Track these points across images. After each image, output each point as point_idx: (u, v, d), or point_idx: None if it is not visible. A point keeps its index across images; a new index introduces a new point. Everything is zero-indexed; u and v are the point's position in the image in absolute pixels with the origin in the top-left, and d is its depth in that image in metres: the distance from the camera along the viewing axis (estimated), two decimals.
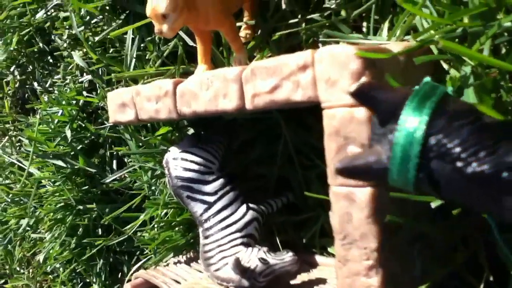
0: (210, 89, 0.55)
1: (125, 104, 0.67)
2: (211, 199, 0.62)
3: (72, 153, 0.91)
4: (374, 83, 0.33)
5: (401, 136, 0.30)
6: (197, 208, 0.62)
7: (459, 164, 0.28)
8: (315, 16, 0.60)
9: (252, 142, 0.69)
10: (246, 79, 0.51)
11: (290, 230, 0.70)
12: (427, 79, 0.34)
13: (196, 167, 0.63)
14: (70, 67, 0.95)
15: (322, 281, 0.60)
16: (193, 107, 0.57)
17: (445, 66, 0.48)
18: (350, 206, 0.44)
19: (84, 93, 0.91)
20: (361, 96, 0.33)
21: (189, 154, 0.64)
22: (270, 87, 0.49)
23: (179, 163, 0.64)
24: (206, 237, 0.61)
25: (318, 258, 0.66)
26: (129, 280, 0.84)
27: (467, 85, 0.43)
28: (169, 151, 0.66)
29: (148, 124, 0.86)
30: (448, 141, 0.28)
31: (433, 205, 0.41)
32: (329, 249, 0.66)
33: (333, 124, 0.44)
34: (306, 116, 0.64)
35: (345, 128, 0.44)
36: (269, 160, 0.69)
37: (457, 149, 0.28)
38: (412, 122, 0.30)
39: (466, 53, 0.40)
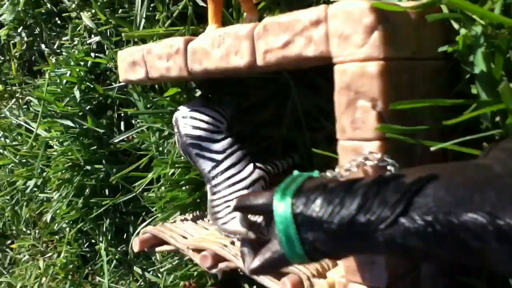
0: (222, 46, 0.56)
1: (135, 62, 0.67)
2: (219, 157, 0.64)
3: (81, 113, 0.92)
4: (246, 195, 0.42)
5: (278, 221, 0.36)
6: (206, 165, 0.64)
7: (325, 226, 0.34)
8: None
9: (261, 104, 0.70)
10: (258, 35, 0.52)
11: None
12: (295, 172, 0.41)
13: (205, 125, 0.64)
14: (78, 28, 0.95)
15: None
16: (204, 65, 0.58)
17: (456, 26, 0.49)
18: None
19: (92, 54, 0.92)
20: (241, 209, 0.42)
21: (198, 113, 0.65)
22: (282, 42, 0.49)
23: (188, 121, 0.65)
24: (214, 193, 0.62)
25: None
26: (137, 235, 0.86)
27: (478, 45, 0.43)
28: (178, 109, 0.67)
29: (156, 86, 0.86)
30: (310, 213, 0.35)
31: (432, 148, 0.42)
32: None
33: (344, 79, 0.45)
34: (316, 78, 0.64)
35: (355, 82, 0.44)
36: (277, 122, 0.70)
37: (319, 215, 0.35)
38: (280, 207, 0.36)
39: (476, 11, 0.41)
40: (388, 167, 0.42)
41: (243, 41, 0.53)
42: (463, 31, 0.47)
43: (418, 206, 0.32)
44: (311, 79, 0.65)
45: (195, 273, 0.82)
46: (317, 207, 0.35)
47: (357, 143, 0.45)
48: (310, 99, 0.66)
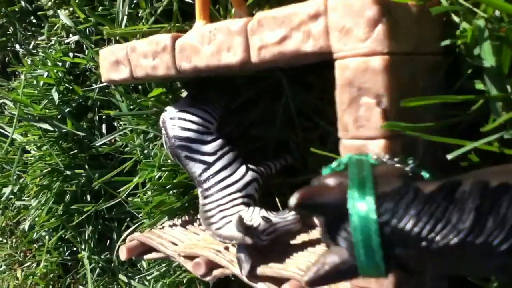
0: (213, 43, 0.53)
1: (119, 61, 0.64)
2: (210, 159, 0.61)
3: (60, 116, 0.87)
4: (311, 190, 0.33)
5: (357, 228, 0.30)
6: (196, 168, 0.61)
7: (423, 244, 0.28)
8: None
9: (252, 103, 0.68)
10: (252, 30, 0.49)
11: (287, 193, 0.69)
12: (348, 156, 0.36)
13: (194, 126, 0.62)
14: (55, 27, 0.91)
15: (319, 240, 0.59)
16: (193, 62, 0.55)
17: (456, 19, 0.47)
18: None
19: (71, 54, 0.88)
20: (305, 207, 0.33)
21: (186, 114, 0.62)
22: (278, 38, 0.47)
23: (176, 122, 0.62)
24: (205, 197, 0.60)
25: (316, 219, 0.65)
26: (122, 245, 0.83)
27: (484, 38, 0.42)
28: (165, 110, 0.64)
29: (140, 86, 0.83)
30: (403, 225, 0.29)
31: (450, 156, 0.40)
32: None
33: (345, 75, 0.43)
34: (308, 76, 0.62)
35: (358, 78, 0.42)
36: (268, 122, 0.68)
37: (415, 230, 0.29)
38: (361, 208, 0.30)
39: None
40: (407, 169, 0.39)
41: (236, 37, 0.51)
42: (464, 24, 0.45)
43: None
44: (303, 77, 0.63)
45: (185, 280, 0.79)
46: (412, 220, 0.29)
47: (361, 142, 0.43)
48: (303, 98, 0.63)
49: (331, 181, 0.34)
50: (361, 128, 0.43)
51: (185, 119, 0.62)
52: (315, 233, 0.63)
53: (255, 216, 0.56)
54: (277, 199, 0.66)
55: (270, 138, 0.67)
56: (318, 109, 0.63)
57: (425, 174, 0.38)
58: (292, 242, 0.61)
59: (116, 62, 0.64)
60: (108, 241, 1.00)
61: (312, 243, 0.59)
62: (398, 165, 0.38)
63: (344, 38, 0.43)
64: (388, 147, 0.42)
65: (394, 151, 0.43)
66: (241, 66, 0.52)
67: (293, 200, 0.32)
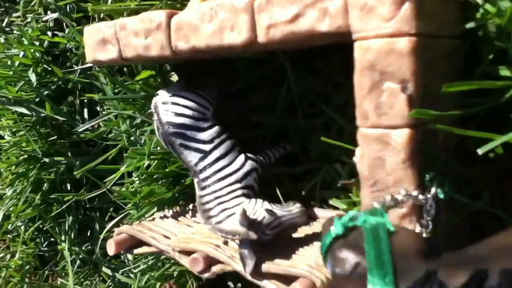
0: (214, 21, 0.48)
1: (106, 40, 0.59)
2: (206, 147, 0.57)
3: (37, 99, 0.81)
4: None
5: None
6: (192, 157, 0.56)
7: None
8: None
9: (251, 88, 0.64)
10: (260, 7, 0.45)
11: (287, 183, 0.65)
12: (363, 216, 0.36)
13: (189, 112, 0.57)
14: (32, 3, 0.84)
15: None
16: (192, 42, 0.50)
17: (479, 0, 0.44)
18: (383, 150, 0.40)
19: (49, 33, 0.81)
20: None
21: (180, 98, 0.58)
22: (290, 16, 0.43)
23: (169, 107, 0.57)
24: (202, 188, 0.56)
25: (318, 210, 0.62)
26: (105, 236, 0.78)
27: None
28: (157, 94, 0.59)
29: (125, 68, 0.78)
30: None
31: (480, 152, 0.37)
32: (330, 202, 0.62)
33: (367, 57, 0.39)
34: (313, 59, 0.58)
35: (382, 61, 0.39)
36: (267, 108, 0.64)
37: None
38: None
39: None
40: (427, 207, 0.38)
41: (241, 14, 0.46)
42: (488, 6, 0.42)
43: None
44: (308, 60, 0.59)
45: (175, 273, 0.75)
46: None
47: (382, 131, 0.40)
48: (307, 82, 0.60)
49: (347, 258, 0.33)
50: (383, 116, 0.40)
51: (179, 104, 0.57)
52: (317, 226, 0.60)
53: (258, 209, 0.52)
54: (278, 191, 0.62)
55: (270, 125, 0.63)
56: (322, 94, 0.60)
57: (440, 195, 0.39)
58: (295, 235, 0.58)
59: (103, 41, 0.59)
60: (89, 232, 0.95)
61: (316, 236, 0.56)
62: (415, 232, 0.37)
63: (366, 17, 0.39)
64: (412, 137, 0.39)
65: (417, 141, 0.40)
66: (245, 47, 0.47)
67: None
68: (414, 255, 0.33)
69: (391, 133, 0.40)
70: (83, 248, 0.93)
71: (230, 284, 0.75)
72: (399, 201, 0.40)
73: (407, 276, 0.31)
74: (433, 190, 0.40)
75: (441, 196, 0.40)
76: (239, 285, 0.76)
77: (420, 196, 0.40)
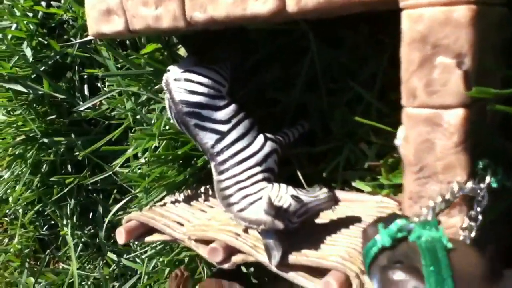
0: None
1: (110, 10, 0.53)
2: (224, 128, 0.52)
3: (34, 76, 0.76)
4: None
5: None
6: (208, 138, 0.52)
7: None
8: None
9: (268, 62, 0.59)
10: None
11: (305, 163, 0.61)
12: (417, 232, 0.32)
13: (204, 89, 0.52)
14: None
15: (355, 219, 0.52)
16: (209, 12, 0.45)
17: None
18: (432, 132, 0.36)
19: (43, 3, 0.75)
20: None
21: (194, 74, 0.53)
22: None
23: (182, 84, 0.52)
24: (220, 173, 0.51)
25: (340, 193, 0.58)
26: (110, 220, 0.75)
27: None
28: (168, 70, 0.54)
29: (127, 41, 0.72)
30: None
31: None
32: (354, 184, 0.58)
33: (418, 28, 0.35)
34: (339, 30, 0.53)
35: (435, 33, 0.34)
36: (285, 84, 0.59)
37: None
38: None
39: None
40: (479, 198, 0.35)
41: None
42: None
43: None
44: (331, 31, 0.54)
45: (186, 259, 0.72)
46: None
47: (433, 111, 0.36)
48: (330, 55, 0.55)
49: (403, 283, 0.29)
50: (434, 95, 0.35)
51: (192, 81, 0.53)
52: (341, 209, 0.56)
53: (283, 195, 0.48)
54: (299, 174, 0.58)
55: (289, 102, 0.58)
56: (346, 69, 0.55)
57: (494, 184, 0.36)
58: (318, 221, 0.54)
59: (108, 11, 0.54)
60: (92, 214, 0.91)
61: (344, 222, 0.52)
62: (474, 249, 0.33)
63: None
64: (467, 118, 0.35)
65: (472, 122, 0.35)
66: (271, 17, 0.42)
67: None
68: (478, 280, 0.29)
69: (443, 113, 0.35)
70: (86, 231, 0.89)
71: (243, 269, 0.71)
72: (451, 200, 0.36)
73: None
74: (487, 179, 0.36)
75: (494, 185, 0.37)
76: (252, 269, 0.73)
77: (473, 187, 0.36)
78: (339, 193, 0.59)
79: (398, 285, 0.29)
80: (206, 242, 0.52)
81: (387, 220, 0.33)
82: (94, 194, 0.86)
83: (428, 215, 0.34)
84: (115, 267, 0.88)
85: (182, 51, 0.67)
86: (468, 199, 0.37)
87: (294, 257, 0.45)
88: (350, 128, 0.56)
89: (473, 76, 0.34)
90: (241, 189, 0.50)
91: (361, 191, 0.57)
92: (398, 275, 0.29)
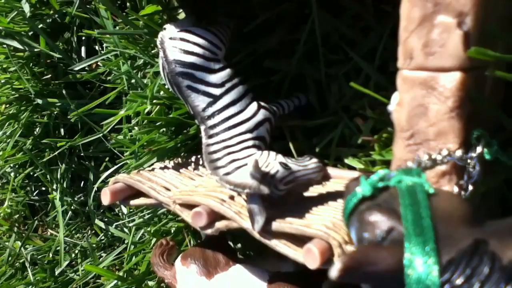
0: None
1: None
2: (216, 91, 0.51)
3: (31, 33, 0.74)
4: (358, 258, 0.27)
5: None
6: (199, 101, 0.51)
7: None
8: None
9: (267, 28, 0.57)
10: None
11: (300, 137, 0.60)
12: (397, 176, 0.31)
13: (199, 50, 0.51)
14: None
15: (340, 194, 0.51)
16: None
17: None
18: (427, 96, 0.35)
19: None
20: (349, 277, 0.27)
21: (190, 34, 0.52)
22: None
23: (178, 44, 0.51)
24: (210, 137, 0.50)
25: (331, 170, 0.57)
26: (100, 187, 0.73)
27: None
28: (164, 29, 0.53)
29: (127, 3, 0.71)
30: None
31: None
32: (346, 160, 0.56)
33: None
34: None
35: None
36: (284, 54, 0.58)
37: None
38: (421, 270, 0.25)
39: None
40: (470, 169, 0.34)
41: None
42: None
43: None
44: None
45: (173, 230, 0.70)
46: None
47: (429, 74, 0.34)
48: (330, 24, 0.53)
49: (378, 222, 0.28)
50: (431, 56, 0.34)
51: (188, 41, 0.51)
52: (331, 185, 0.55)
53: (271, 161, 0.47)
54: (291, 144, 0.57)
55: (287, 71, 0.57)
56: (347, 39, 0.53)
57: (486, 155, 0.35)
58: (307, 194, 0.53)
59: None
60: (83, 182, 0.89)
61: (332, 196, 0.51)
62: (458, 195, 0.34)
63: None
64: (464, 82, 0.34)
65: (469, 87, 0.34)
66: None
67: (335, 270, 0.26)
68: (458, 221, 0.28)
69: (439, 76, 0.34)
70: (76, 199, 0.88)
71: (231, 244, 0.70)
72: (438, 162, 0.35)
73: (451, 245, 0.26)
74: (479, 149, 0.35)
75: (487, 156, 0.35)
76: (239, 245, 0.72)
77: (463, 155, 0.35)
78: (331, 170, 0.57)
79: (374, 226, 0.28)
80: (191, 207, 0.51)
81: (370, 173, 0.32)
82: (86, 161, 0.85)
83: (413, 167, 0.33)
84: (103, 237, 0.87)
85: (182, 16, 0.65)
86: (459, 168, 0.35)
87: (277, 224, 0.44)
88: (346, 102, 0.55)
89: (473, 39, 0.33)
90: (229, 153, 0.49)
91: (354, 168, 0.56)
92: (373, 216, 0.28)
